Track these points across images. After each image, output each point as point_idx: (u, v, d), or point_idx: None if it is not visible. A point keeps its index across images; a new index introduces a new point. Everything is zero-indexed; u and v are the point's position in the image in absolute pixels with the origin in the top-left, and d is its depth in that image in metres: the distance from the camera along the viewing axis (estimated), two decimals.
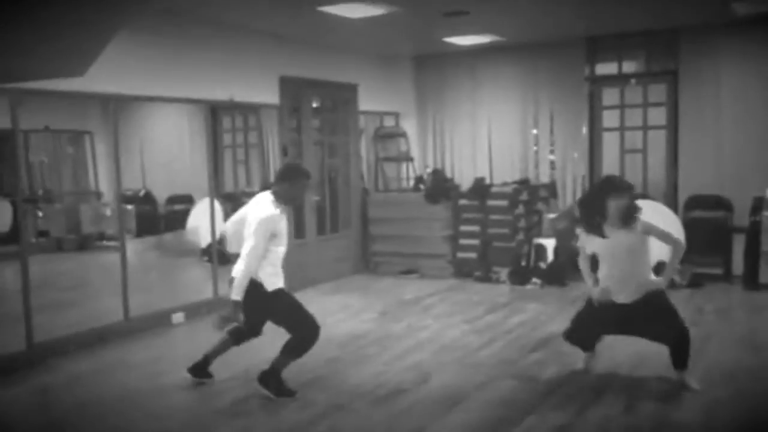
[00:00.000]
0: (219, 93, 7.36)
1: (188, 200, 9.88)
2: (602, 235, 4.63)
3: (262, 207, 4.50)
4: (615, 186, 4.65)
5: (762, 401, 4.41)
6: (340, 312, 7.02)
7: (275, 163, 8.56)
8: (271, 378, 4.61)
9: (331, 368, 5.17)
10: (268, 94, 7.95)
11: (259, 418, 4.33)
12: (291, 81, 8.14)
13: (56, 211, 10.69)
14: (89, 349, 5.98)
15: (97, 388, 5.06)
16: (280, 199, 4.56)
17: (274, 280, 4.54)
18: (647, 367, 5.08)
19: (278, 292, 4.57)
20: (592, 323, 4.85)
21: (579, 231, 4.91)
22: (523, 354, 5.39)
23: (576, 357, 5.33)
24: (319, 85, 8.67)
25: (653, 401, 4.37)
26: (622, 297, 4.66)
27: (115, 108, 6.46)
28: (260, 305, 4.53)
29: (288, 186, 4.57)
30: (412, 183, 9.82)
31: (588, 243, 4.78)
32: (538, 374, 4.97)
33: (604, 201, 4.57)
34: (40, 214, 10.58)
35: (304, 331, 4.54)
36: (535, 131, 9.44)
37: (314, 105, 9.33)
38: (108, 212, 9.91)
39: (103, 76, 6.00)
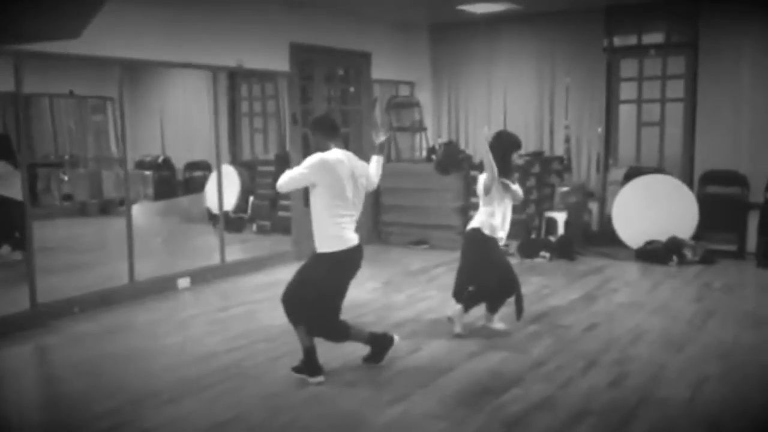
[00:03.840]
0: (228, 59, 7.36)
1: (206, 167, 9.97)
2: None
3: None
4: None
5: (752, 379, 4.33)
6: None
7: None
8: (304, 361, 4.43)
9: None
10: (278, 61, 7.92)
11: (246, 383, 4.37)
12: (301, 48, 8.09)
13: (80, 176, 10.88)
14: (94, 311, 6.09)
15: (96, 348, 5.17)
16: None
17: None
18: (644, 341, 5.03)
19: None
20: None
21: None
22: (520, 326, 5.34)
23: (575, 330, 5.32)
24: (330, 52, 8.60)
25: (641, 376, 4.33)
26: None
27: (122, 73, 6.48)
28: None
29: None
30: (425, 153, 9.75)
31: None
32: (530, 347, 4.94)
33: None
34: (65, 178, 10.77)
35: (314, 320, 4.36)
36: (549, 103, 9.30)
37: (340, 73, 9.27)
38: None
39: (111, 40, 6.07)
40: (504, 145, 5.15)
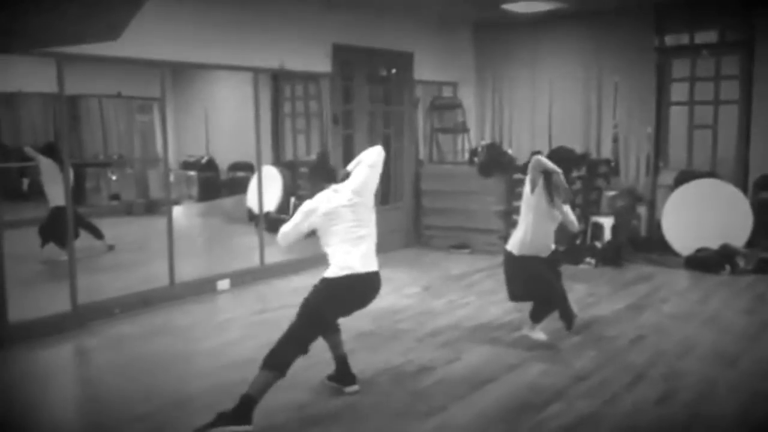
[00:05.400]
0: (270, 61, 7.33)
1: (249, 168, 9.98)
2: None
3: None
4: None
5: None
6: (383, 286, 6.88)
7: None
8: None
9: (361, 343, 5.10)
10: (320, 62, 7.86)
11: (280, 391, 4.28)
12: (344, 48, 8.02)
13: (127, 176, 11.01)
14: (133, 313, 6.11)
15: (135, 351, 5.18)
16: None
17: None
18: (694, 355, 4.81)
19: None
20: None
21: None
22: (562, 337, 5.16)
23: (620, 342, 5.12)
24: (372, 53, 8.51)
25: (690, 393, 4.13)
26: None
27: (164, 74, 6.50)
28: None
29: None
30: (467, 155, 9.59)
31: None
32: (573, 359, 4.76)
33: None
34: (114, 178, 10.91)
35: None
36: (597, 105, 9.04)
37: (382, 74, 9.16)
38: (172, 178, 10.06)
39: (153, 43, 6.08)
40: (564, 162, 5.07)
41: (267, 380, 3.85)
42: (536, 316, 5.14)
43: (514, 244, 5.06)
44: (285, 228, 4.08)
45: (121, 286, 6.45)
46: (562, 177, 4.83)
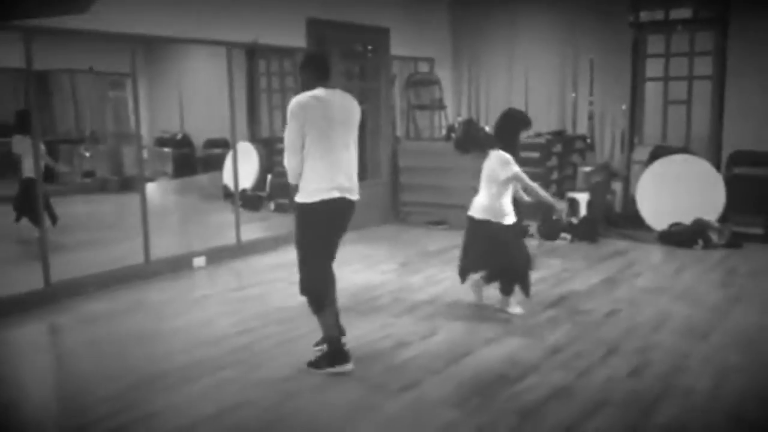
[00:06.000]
0: (244, 35, 7.22)
1: (225, 144, 9.87)
2: None
3: None
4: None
5: None
6: (360, 262, 6.92)
7: None
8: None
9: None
10: (294, 37, 7.76)
11: (255, 367, 4.29)
12: (318, 23, 7.92)
13: (101, 153, 10.85)
14: (108, 290, 6.05)
15: (108, 328, 5.12)
16: None
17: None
18: (667, 329, 4.87)
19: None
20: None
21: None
22: (538, 311, 5.21)
23: (595, 316, 5.17)
24: (348, 28, 8.42)
25: (663, 365, 4.18)
26: None
27: (134, 49, 6.38)
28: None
29: None
30: (444, 132, 9.58)
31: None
32: (548, 333, 4.80)
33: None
34: (87, 154, 10.75)
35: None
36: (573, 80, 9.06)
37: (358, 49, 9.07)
38: (146, 154, 9.92)
39: (122, 16, 5.96)
40: (513, 123, 5.09)
41: (327, 319, 4.09)
42: (506, 289, 5.19)
43: (476, 210, 5.12)
44: (285, 152, 3.90)
45: (95, 263, 6.36)
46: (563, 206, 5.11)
